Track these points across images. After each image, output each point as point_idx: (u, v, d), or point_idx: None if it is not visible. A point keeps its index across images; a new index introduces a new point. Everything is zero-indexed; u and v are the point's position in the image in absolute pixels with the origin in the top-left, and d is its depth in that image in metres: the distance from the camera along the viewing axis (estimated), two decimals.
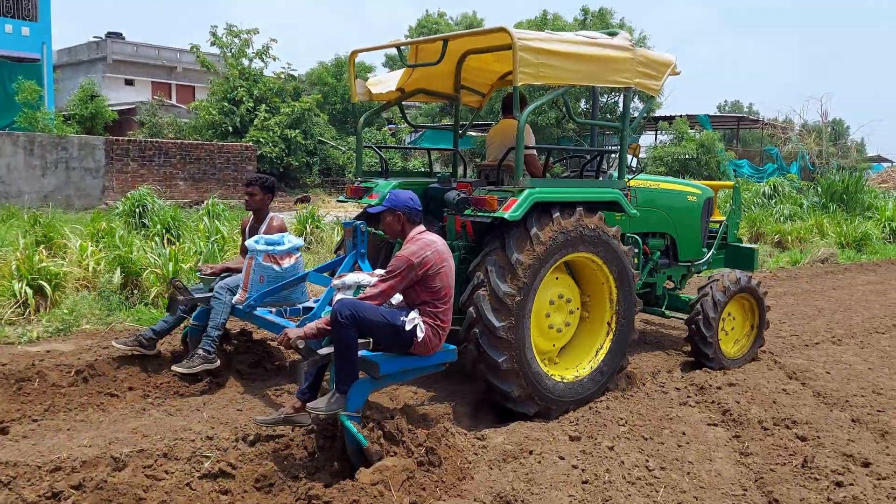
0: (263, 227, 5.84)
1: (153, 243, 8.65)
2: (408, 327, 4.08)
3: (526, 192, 4.75)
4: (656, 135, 31.36)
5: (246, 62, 27.64)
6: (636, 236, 6.23)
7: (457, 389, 5.66)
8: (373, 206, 4.89)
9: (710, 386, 5.78)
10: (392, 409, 4.26)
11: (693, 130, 27.26)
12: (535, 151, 6.15)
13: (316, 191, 27.03)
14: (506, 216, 4.64)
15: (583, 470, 4.18)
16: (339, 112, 31.82)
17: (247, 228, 6.05)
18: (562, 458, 4.31)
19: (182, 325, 5.78)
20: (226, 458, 4.01)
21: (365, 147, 6.50)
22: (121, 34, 38.75)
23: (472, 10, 54.64)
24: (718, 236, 7.40)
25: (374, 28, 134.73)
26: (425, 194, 6.03)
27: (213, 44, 26.93)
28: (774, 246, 16.12)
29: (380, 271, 4.53)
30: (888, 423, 5.10)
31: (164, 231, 10.61)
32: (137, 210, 12.29)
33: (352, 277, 4.61)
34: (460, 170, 7.46)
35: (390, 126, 32.05)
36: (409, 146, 21.84)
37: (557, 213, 4.94)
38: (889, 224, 18.21)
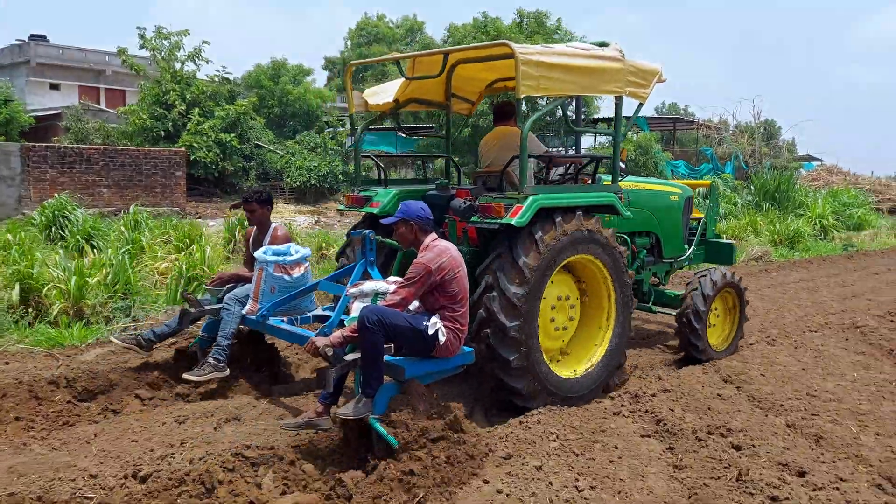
0: (268, 238, 5.92)
1: (57, 256, 8.04)
2: (430, 331, 4.27)
3: (530, 198, 4.94)
4: (595, 136, 31.56)
5: (178, 65, 26.77)
6: (625, 236, 6.51)
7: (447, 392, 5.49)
8: (377, 214, 5.47)
9: (645, 394, 5.57)
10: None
11: (631, 132, 27.48)
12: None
13: None
14: (513, 222, 4.83)
15: (507, 495, 3.89)
16: (276, 115, 31.10)
17: (251, 240, 6.13)
18: (486, 483, 4.01)
19: (178, 332, 5.85)
20: (110, 500, 3.58)
21: (364, 157, 6.84)
22: (44, 36, 37.17)
23: (413, 14, 54.31)
24: (698, 233, 7.71)
25: (313, 30, 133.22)
26: (424, 201, 5.94)
27: (141, 46, 25.99)
28: None
29: (393, 278, 4.75)
30: (822, 428, 4.97)
31: (82, 242, 9.99)
32: (58, 220, 11.61)
33: (369, 285, 4.78)
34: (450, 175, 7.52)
35: (328, 129, 31.50)
36: (403, 154, 21.33)
37: (560, 218, 5.14)
38: (819, 221, 18.60)
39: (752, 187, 20.76)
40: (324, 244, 11.98)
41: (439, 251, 4.39)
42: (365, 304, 4.57)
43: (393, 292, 4.36)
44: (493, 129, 6.58)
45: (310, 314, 5.64)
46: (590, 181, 6.02)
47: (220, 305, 5.59)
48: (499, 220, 4.90)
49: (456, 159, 7.45)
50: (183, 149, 22.59)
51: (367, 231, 5.37)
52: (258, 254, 5.54)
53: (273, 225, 6.04)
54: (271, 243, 5.79)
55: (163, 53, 26.18)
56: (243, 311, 5.50)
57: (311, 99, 31.27)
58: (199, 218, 19.72)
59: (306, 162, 27.45)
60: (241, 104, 26.87)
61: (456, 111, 7.22)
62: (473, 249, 5.55)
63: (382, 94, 6.51)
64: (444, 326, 4.36)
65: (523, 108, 6.21)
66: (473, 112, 7.47)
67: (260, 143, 28.27)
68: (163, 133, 24.76)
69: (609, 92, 5.54)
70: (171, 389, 5.35)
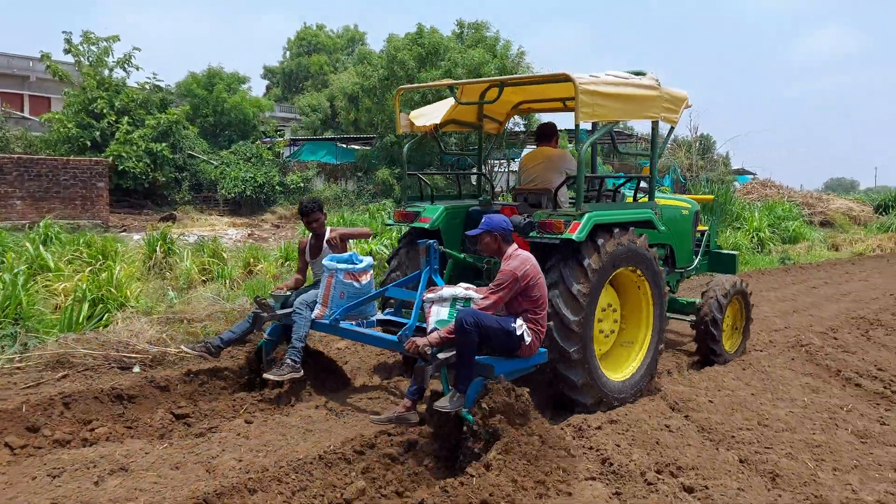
0: (326, 242, 6.33)
1: None
2: (518, 332, 4.67)
3: (587, 215, 5.37)
4: (492, 148, 31.51)
5: (106, 72, 25.56)
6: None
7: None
8: (428, 228, 6.29)
9: (589, 427, 5.13)
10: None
11: (572, 144, 27.49)
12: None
13: (186, 208, 25.23)
14: (573, 237, 5.26)
15: None
16: (210, 125, 30.01)
17: (307, 248, 6.48)
18: None
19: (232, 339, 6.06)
20: None
21: (409, 175, 7.32)
22: None
23: (354, 24, 53.66)
24: (703, 244, 8.16)
25: (252, 40, 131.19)
26: (468, 216, 6.73)
27: (67, 51, 24.72)
28: None
29: (464, 285, 5.10)
30: (777, 464, 4.61)
31: None
32: None
33: (448, 291, 5.04)
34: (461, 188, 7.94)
35: (265, 140, 30.58)
36: (440, 171, 20.62)
37: (618, 230, 5.65)
38: (757, 234, 18.75)
39: (489, 199, 20.89)
40: (252, 259, 11.25)
41: (522, 259, 4.80)
42: (443, 309, 4.98)
43: (484, 297, 4.75)
44: (536, 148, 7.00)
45: (373, 318, 6.00)
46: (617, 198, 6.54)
47: (290, 310, 5.88)
48: (559, 236, 5.34)
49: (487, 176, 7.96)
50: (107, 159, 21.46)
51: (432, 241, 5.74)
52: (327, 262, 5.86)
53: (327, 230, 6.42)
54: (333, 241, 6.29)
55: (90, 59, 24.97)
56: (312, 316, 5.80)
57: (247, 108, 30.30)
58: (124, 231, 18.67)
59: (242, 172, 26.52)
60: (173, 113, 25.80)
61: (486, 131, 7.76)
62: None
63: (426, 116, 6.91)
64: (528, 328, 4.76)
65: (567, 130, 7.03)
66: (502, 131, 7.99)
67: (193, 153, 27.20)
68: (89, 143, 23.53)
69: (648, 117, 6.06)
70: (49, 435, 4.64)
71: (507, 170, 32.45)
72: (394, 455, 4.41)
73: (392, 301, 6.34)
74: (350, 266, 5.82)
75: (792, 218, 22.20)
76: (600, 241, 5.50)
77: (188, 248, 11.70)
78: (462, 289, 5.07)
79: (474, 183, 8.08)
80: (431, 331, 4.83)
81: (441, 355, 4.57)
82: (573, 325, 5.29)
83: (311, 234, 6.48)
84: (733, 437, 5.09)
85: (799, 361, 7.38)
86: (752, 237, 18.36)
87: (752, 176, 43.99)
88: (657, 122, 6.21)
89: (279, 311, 5.93)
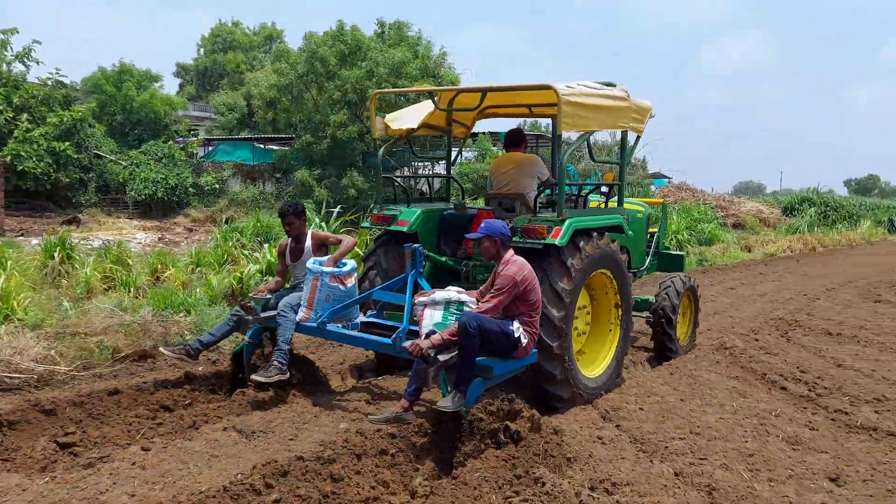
0: (308, 246, 6.30)
1: None
2: (515, 335, 4.86)
3: (567, 221, 5.65)
4: (460, 151, 31.45)
5: (4, 66, 23.91)
6: None
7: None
8: (406, 231, 6.39)
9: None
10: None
11: (495, 148, 27.49)
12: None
13: (92, 210, 23.82)
14: (556, 243, 5.53)
15: None
16: (119, 123, 28.53)
17: (287, 251, 6.43)
18: None
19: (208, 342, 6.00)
20: None
21: (385, 177, 7.40)
22: None
23: (272, 22, 52.36)
24: (653, 246, 8.36)
25: (165, 36, 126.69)
26: (442, 219, 6.84)
27: None
28: None
29: (454, 288, 5.34)
30: (713, 476, 4.44)
31: None
32: None
33: (441, 295, 5.18)
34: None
35: (178, 139, 29.30)
36: (405, 175, 19.72)
37: (595, 235, 5.97)
38: (675, 236, 19.10)
39: (463, 203, 21.14)
40: (160, 266, 10.51)
41: (521, 265, 4.98)
42: (437, 312, 5.12)
43: (485, 300, 4.94)
44: (505, 154, 7.15)
45: (357, 321, 6.01)
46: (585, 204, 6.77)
47: (274, 313, 5.87)
48: (543, 241, 5.57)
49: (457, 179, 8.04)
50: (3, 158, 20.00)
51: (417, 245, 5.86)
52: (311, 265, 5.86)
53: (308, 233, 6.41)
54: (314, 246, 6.29)
55: None
56: (297, 318, 5.82)
57: (158, 106, 28.96)
58: (21, 236, 17.39)
59: (152, 173, 25.27)
60: (77, 110, 24.36)
61: (455, 135, 7.90)
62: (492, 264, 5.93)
63: (401, 119, 7.02)
64: (524, 331, 4.95)
65: (519, 139, 7.20)
66: (468, 135, 8.18)
67: (100, 153, 25.77)
68: None
69: (619, 127, 6.43)
70: None
71: (431, 171, 32.28)
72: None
73: (373, 304, 6.41)
74: (336, 269, 5.89)
75: (707, 220, 22.79)
76: (580, 246, 5.78)
77: (91, 254, 10.86)
78: (454, 292, 5.27)
79: (419, 188, 8.31)
80: (428, 333, 4.91)
81: (441, 357, 4.69)
82: (556, 321, 5.51)
83: (290, 237, 6.43)
84: (667, 447, 4.91)
85: (724, 364, 7.35)
86: (672, 240, 18.68)
87: (667, 179, 45.18)
88: (626, 131, 6.61)
89: (264, 315, 5.92)
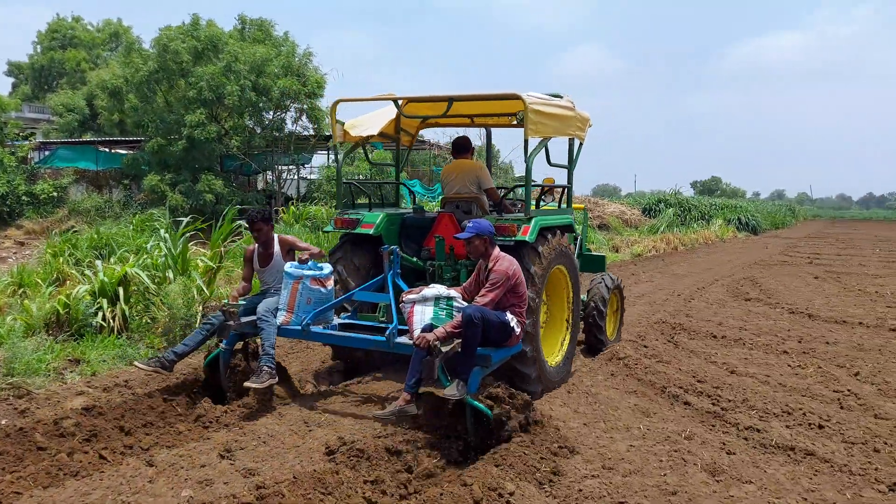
0: (276, 251, 6.40)
1: None
2: (511, 325, 5.22)
3: (534, 220, 6.05)
4: (328, 155, 30.17)
5: None
6: None
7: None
8: (372, 234, 6.64)
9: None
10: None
11: (376, 150, 26.53)
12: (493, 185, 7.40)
13: None
14: (527, 239, 5.90)
15: None
16: None
17: (255, 256, 6.48)
18: None
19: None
20: None
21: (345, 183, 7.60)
22: None
23: (118, 18, 48.57)
24: (577, 247, 8.34)
25: None
26: (403, 222, 7.10)
27: None
28: None
29: (435, 285, 5.56)
30: None
31: None
32: None
33: (430, 291, 5.40)
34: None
35: (7, 143, 26.17)
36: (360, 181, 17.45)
37: (552, 235, 6.37)
38: None
39: (422, 207, 20.82)
40: None
41: (510, 260, 5.30)
42: (427, 308, 5.32)
43: (481, 295, 5.15)
44: (454, 160, 7.42)
45: (335, 322, 6.14)
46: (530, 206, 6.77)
47: (254, 317, 5.92)
48: (514, 238, 5.94)
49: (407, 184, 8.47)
50: None
51: (394, 247, 6.06)
52: (290, 269, 5.97)
53: (275, 237, 6.47)
54: (283, 247, 6.43)
55: None
56: (278, 322, 5.92)
57: None
58: None
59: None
60: None
61: (402, 143, 8.13)
62: (455, 263, 6.69)
63: (360, 127, 7.14)
64: (517, 321, 5.27)
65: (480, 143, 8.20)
66: (413, 143, 8.44)
67: None
68: None
69: (568, 134, 6.92)
70: None
71: (296, 176, 30.83)
72: None
73: (348, 306, 6.50)
74: (316, 272, 6.01)
75: (578, 222, 22.96)
76: (544, 243, 6.19)
77: None
78: (442, 288, 5.49)
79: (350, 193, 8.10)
80: (425, 328, 5.11)
81: (444, 348, 4.84)
82: (530, 302, 5.72)
83: (259, 243, 6.47)
84: (581, 490, 4.22)
85: (620, 377, 6.87)
86: None
87: (533, 182, 45.60)
88: (573, 139, 7.18)
89: (244, 320, 5.93)
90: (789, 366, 7.42)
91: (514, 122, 8.12)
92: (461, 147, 7.42)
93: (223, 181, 24.87)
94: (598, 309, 7.79)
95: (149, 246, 9.64)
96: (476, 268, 5.59)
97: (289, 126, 26.05)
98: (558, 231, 6.52)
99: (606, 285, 8.00)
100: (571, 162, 7.36)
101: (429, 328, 5.10)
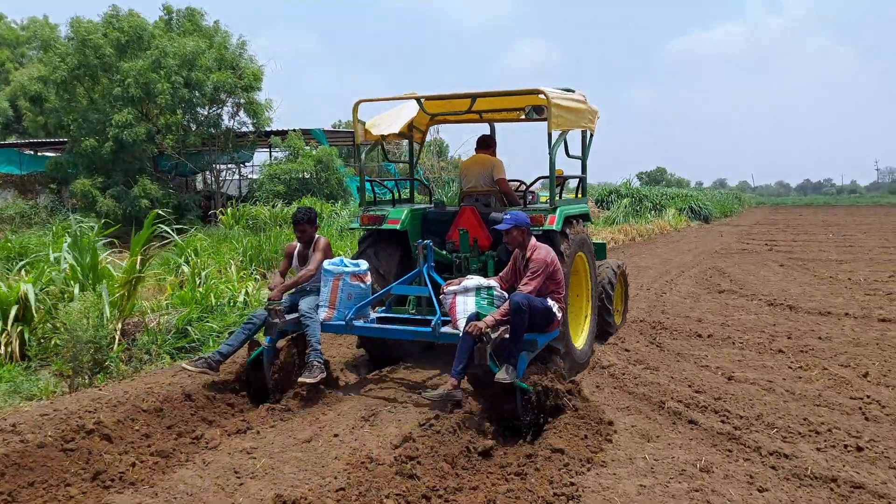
0: (314, 250, 6.46)
1: None
2: (553, 310, 5.43)
3: (559, 210, 6.36)
4: (270, 151, 28.72)
5: None
6: None
7: None
8: (399, 229, 6.90)
9: None
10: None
11: (309, 146, 25.23)
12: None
13: None
14: (554, 228, 6.18)
15: None
16: None
17: (295, 254, 6.61)
18: None
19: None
20: None
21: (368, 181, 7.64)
22: None
23: (44, 15, 45.88)
24: None
25: None
26: (425, 217, 7.37)
27: None
28: None
29: (473, 276, 5.92)
30: None
31: None
32: None
33: (470, 282, 5.68)
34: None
35: None
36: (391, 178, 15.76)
37: (574, 224, 6.71)
38: None
39: (442, 201, 19.81)
40: None
41: (548, 249, 5.56)
42: (469, 298, 5.60)
43: (524, 284, 5.32)
44: (474, 155, 7.77)
45: (374, 316, 6.38)
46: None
47: (297, 315, 6.07)
48: (541, 228, 6.12)
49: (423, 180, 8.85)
50: None
51: (428, 241, 6.36)
52: (330, 266, 6.17)
53: (315, 238, 6.55)
54: (317, 251, 6.43)
55: None
56: (321, 318, 6.10)
57: None
58: None
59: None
60: None
61: (414, 140, 8.25)
62: (479, 254, 6.89)
63: (380, 126, 7.17)
64: (558, 307, 5.51)
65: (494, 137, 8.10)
66: (424, 140, 8.52)
67: None
68: None
69: (581, 127, 7.09)
70: None
71: (238, 175, 29.33)
72: None
73: (384, 300, 6.69)
74: (356, 269, 6.18)
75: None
76: (569, 231, 6.40)
77: None
78: (481, 279, 5.74)
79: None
80: (470, 317, 5.33)
81: (494, 335, 5.03)
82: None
83: (301, 243, 6.57)
84: None
85: (608, 390, 5.99)
86: None
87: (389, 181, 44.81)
88: (586, 130, 7.35)
89: (289, 317, 6.02)
90: (790, 367, 6.65)
91: (522, 117, 8.12)
92: (482, 143, 7.83)
93: (158, 184, 23.32)
94: (606, 293, 7.77)
95: (53, 257, 8.37)
96: (512, 257, 5.77)
97: (226, 122, 24.63)
98: (579, 220, 6.85)
99: (613, 270, 7.98)
100: (585, 153, 7.58)
101: (475, 316, 5.32)
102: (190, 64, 22.46)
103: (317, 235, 6.58)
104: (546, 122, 6.19)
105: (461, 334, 5.23)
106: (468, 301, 5.58)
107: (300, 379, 5.70)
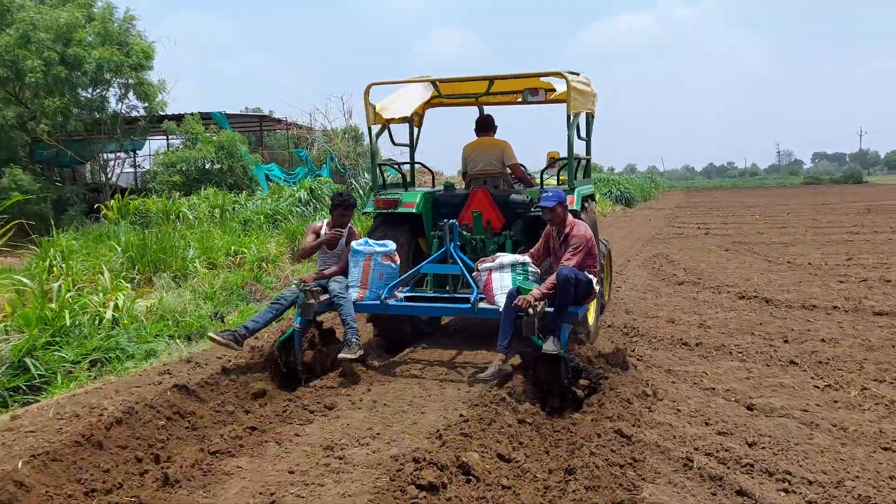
0: (346, 236, 6.49)
1: None
2: (594, 282, 5.68)
3: (577, 190, 6.48)
4: (168, 138, 25.97)
5: None
6: None
7: None
8: (415, 212, 6.99)
9: None
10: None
11: (209, 132, 22.77)
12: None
13: None
14: (574, 207, 6.15)
15: None
16: None
17: (321, 234, 6.58)
18: None
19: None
20: None
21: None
22: None
23: None
24: None
25: None
26: (436, 200, 7.38)
27: None
28: None
29: (504, 253, 6.42)
30: None
31: None
32: None
33: (506, 259, 5.91)
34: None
35: None
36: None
37: (590, 204, 7.45)
38: None
39: (360, 192, 17.99)
40: None
41: (586, 226, 5.77)
42: (505, 274, 5.80)
43: (566, 258, 5.51)
44: (478, 138, 7.77)
45: (401, 296, 6.39)
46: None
47: (330, 296, 6.04)
48: None
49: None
50: None
51: (453, 221, 6.50)
52: (360, 246, 6.25)
53: (350, 228, 6.60)
54: (352, 240, 6.44)
55: None
56: (353, 298, 6.12)
57: None
58: None
59: None
60: None
61: (415, 124, 8.27)
62: (493, 235, 7.06)
63: (390, 109, 7.26)
64: (595, 280, 5.77)
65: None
66: (422, 124, 8.45)
67: None
68: None
69: (587, 109, 7.24)
70: None
71: (132, 165, 26.50)
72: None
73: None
74: (385, 249, 6.25)
75: None
76: (585, 210, 6.83)
77: None
78: (516, 256, 6.01)
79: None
80: (511, 292, 5.46)
81: (540, 308, 5.22)
82: None
83: (335, 226, 6.53)
84: None
85: (604, 438, 4.42)
86: None
87: (396, 166, 43.22)
88: (589, 113, 7.52)
89: (322, 298, 5.95)
90: (817, 387, 5.27)
91: (518, 100, 8.17)
92: (485, 125, 7.81)
93: (34, 175, 20.43)
94: (603, 270, 7.73)
95: None
96: (544, 234, 5.96)
97: (113, 106, 21.86)
98: (590, 199, 7.36)
99: (601, 250, 7.57)
100: (589, 134, 7.75)
101: (516, 291, 5.44)
102: (66, 38, 19.65)
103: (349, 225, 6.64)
104: (539, 105, 7.04)
105: (503, 309, 5.49)
106: (505, 277, 5.80)
107: (340, 355, 5.71)
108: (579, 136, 7.50)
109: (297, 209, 16.56)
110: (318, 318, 6.13)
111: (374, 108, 7.06)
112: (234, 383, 5.52)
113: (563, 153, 7.10)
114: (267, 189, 20.97)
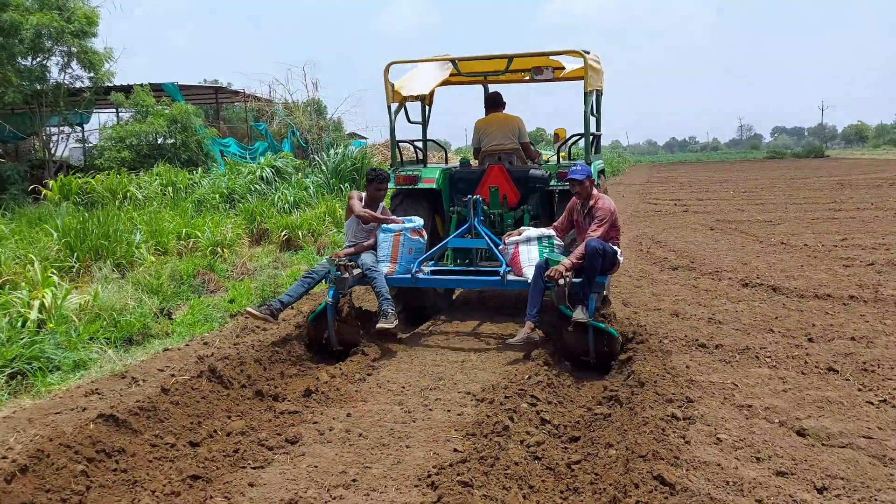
0: (380, 210, 6.73)
1: None
2: (619, 253, 5.96)
3: (593, 165, 6.61)
4: (117, 112, 24.40)
5: None
6: None
7: None
8: (435, 188, 7.23)
9: None
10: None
11: (161, 105, 21.34)
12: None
13: None
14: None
15: None
16: None
17: (356, 207, 6.66)
18: None
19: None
20: None
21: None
22: None
23: None
24: None
25: None
26: (452, 176, 7.60)
27: None
28: (283, 248, 11.66)
29: (528, 228, 6.47)
30: None
31: None
32: None
33: (532, 232, 6.12)
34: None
35: None
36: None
37: (602, 179, 7.69)
38: None
39: (323, 168, 16.85)
40: None
41: (609, 199, 6.03)
42: (532, 247, 6.05)
43: (592, 230, 5.78)
44: (489, 115, 7.99)
45: (428, 269, 6.62)
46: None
47: (362, 271, 6.19)
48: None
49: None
50: None
51: (477, 197, 6.76)
52: (389, 224, 6.51)
53: (382, 206, 6.81)
54: (384, 215, 6.68)
55: None
56: (385, 272, 6.29)
57: None
58: None
59: None
60: None
61: (426, 102, 8.47)
62: (508, 209, 7.29)
63: (409, 87, 7.35)
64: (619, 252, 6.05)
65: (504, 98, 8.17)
66: (433, 101, 8.61)
67: None
68: None
69: (597, 86, 7.32)
70: None
71: (80, 142, 24.87)
72: None
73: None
74: (413, 224, 6.49)
75: None
76: (600, 184, 7.09)
77: None
78: (542, 229, 6.19)
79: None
80: (539, 264, 5.78)
81: (569, 278, 5.48)
82: None
83: (368, 198, 6.70)
84: None
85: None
86: None
87: (364, 140, 42.45)
88: (599, 90, 7.64)
89: (355, 272, 6.03)
90: (870, 403, 4.49)
91: (526, 78, 8.36)
92: (495, 102, 8.01)
93: None
94: None
95: None
96: (567, 208, 6.24)
97: (55, 76, 20.26)
98: (602, 174, 7.76)
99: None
100: (599, 111, 7.95)
101: (545, 263, 5.73)
102: (1, 3, 18.04)
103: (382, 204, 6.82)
104: (548, 83, 7.86)
105: (532, 280, 5.75)
106: (532, 249, 6.04)
107: (378, 325, 5.88)
108: (593, 114, 7.54)
109: (258, 187, 15.42)
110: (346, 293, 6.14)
111: (393, 87, 7.21)
112: (176, 407, 4.55)
113: (570, 130, 7.58)
114: (223, 166, 19.71)
